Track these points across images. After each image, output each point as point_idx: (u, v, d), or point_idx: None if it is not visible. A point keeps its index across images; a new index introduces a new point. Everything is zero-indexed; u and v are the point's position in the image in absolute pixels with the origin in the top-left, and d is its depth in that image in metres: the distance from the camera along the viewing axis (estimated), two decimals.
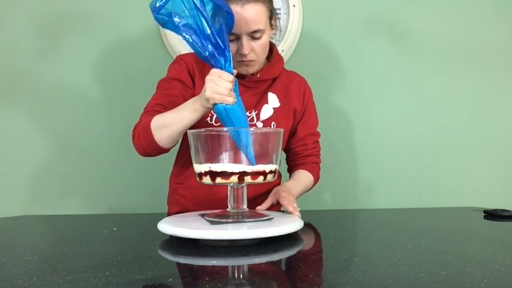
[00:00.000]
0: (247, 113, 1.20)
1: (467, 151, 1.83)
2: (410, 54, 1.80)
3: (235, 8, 1.06)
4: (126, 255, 0.78)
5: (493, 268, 0.69)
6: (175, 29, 0.98)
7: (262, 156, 0.89)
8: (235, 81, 1.01)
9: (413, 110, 1.81)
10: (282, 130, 0.95)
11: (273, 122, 1.22)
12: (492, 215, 1.20)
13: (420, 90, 1.81)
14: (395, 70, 1.80)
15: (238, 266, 0.73)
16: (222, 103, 0.96)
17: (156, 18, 0.98)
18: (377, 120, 1.80)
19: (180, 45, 1.64)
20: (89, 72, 1.70)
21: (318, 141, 1.33)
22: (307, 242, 0.91)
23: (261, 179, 0.90)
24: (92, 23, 1.69)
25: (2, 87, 1.68)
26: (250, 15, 1.07)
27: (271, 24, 1.16)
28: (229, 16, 1.01)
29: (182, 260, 0.77)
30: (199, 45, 0.98)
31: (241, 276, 0.68)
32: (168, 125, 1.05)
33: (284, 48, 1.69)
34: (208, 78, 0.97)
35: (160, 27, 1.67)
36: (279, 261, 0.76)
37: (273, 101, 1.23)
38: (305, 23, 1.76)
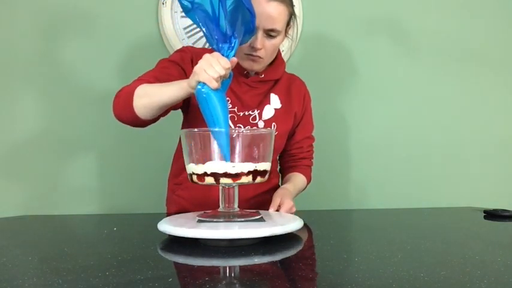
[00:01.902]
0: (250, 112, 1.20)
1: (467, 151, 1.83)
2: (410, 55, 1.80)
3: (262, 3, 1.07)
4: (126, 255, 0.78)
5: (493, 268, 0.69)
6: (193, 16, 1.00)
7: (250, 156, 0.89)
8: (230, 75, 0.99)
9: (413, 110, 1.81)
10: (272, 131, 0.96)
11: (273, 123, 1.22)
12: (492, 215, 1.20)
13: (420, 91, 1.81)
14: (395, 70, 1.80)
15: (238, 266, 0.73)
16: (205, 84, 0.93)
17: (181, 3, 0.99)
18: (377, 121, 1.80)
19: (180, 46, 1.64)
20: (89, 72, 1.69)
21: (312, 145, 1.35)
22: (307, 242, 0.91)
23: (249, 179, 0.90)
24: (92, 23, 1.69)
25: (1, 87, 1.68)
26: (272, 12, 1.09)
27: (286, 31, 1.18)
28: (252, 19, 1.00)
29: (182, 260, 0.77)
30: (210, 31, 0.98)
31: (241, 276, 0.68)
32: (150, 95, 1.03)
33: (284, 49, 1.69)
34: (206, 55, 0.95)
35: (160, 27, 1.68)
36: (279, 261, 0.76)
37: (274, 102, 1.24)
38: (305, 23, 1.76)
